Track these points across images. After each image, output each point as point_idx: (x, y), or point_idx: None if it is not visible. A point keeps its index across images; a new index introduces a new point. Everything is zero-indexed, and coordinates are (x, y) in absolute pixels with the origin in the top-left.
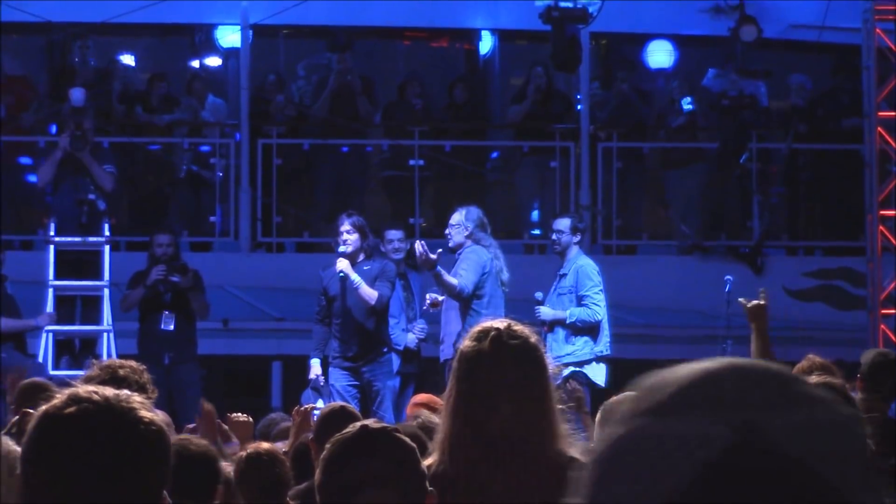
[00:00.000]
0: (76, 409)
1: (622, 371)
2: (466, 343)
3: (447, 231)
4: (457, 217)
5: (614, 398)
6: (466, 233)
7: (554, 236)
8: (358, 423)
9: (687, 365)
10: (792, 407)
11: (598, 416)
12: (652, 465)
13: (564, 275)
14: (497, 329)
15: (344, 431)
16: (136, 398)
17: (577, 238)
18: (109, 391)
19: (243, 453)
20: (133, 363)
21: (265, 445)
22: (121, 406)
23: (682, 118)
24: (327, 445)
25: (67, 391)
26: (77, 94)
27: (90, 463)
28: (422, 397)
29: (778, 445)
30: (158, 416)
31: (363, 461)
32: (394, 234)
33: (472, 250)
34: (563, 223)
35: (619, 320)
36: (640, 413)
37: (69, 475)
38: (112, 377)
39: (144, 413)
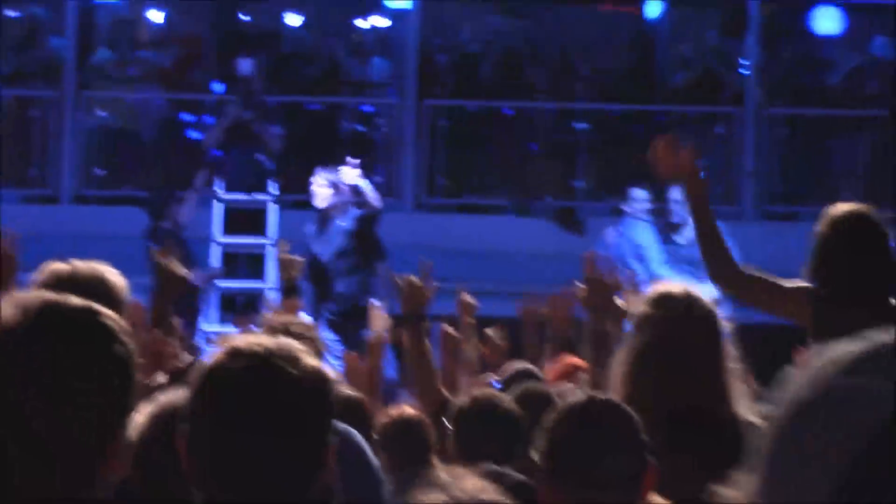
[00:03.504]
0: (239, 363)
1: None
2: (645, 307)
3: (672, 207)
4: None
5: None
6: None
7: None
8: (581, 394)
9: (870, 335)
10: None
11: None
12: (842, 418)
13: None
14: (676, 293)
15: (570, 401)
16: (298, 346)
17: None
18: (270, 341)
19: (388, 418)
20: (305, 321)
21: (410, 410)
22: (284, 356)
23: (846, 82)
24: (553, 415)
25: (228, 344)
26: (245, 65)
27: (257, 416)
28: (566, 363)
29: None
30: (320, 364)
31: (595, 432)
32: (638, 193)
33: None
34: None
35: None
36: (829, 373)
37: (236, 429)
38: (285, 335)
39: (308, 361)
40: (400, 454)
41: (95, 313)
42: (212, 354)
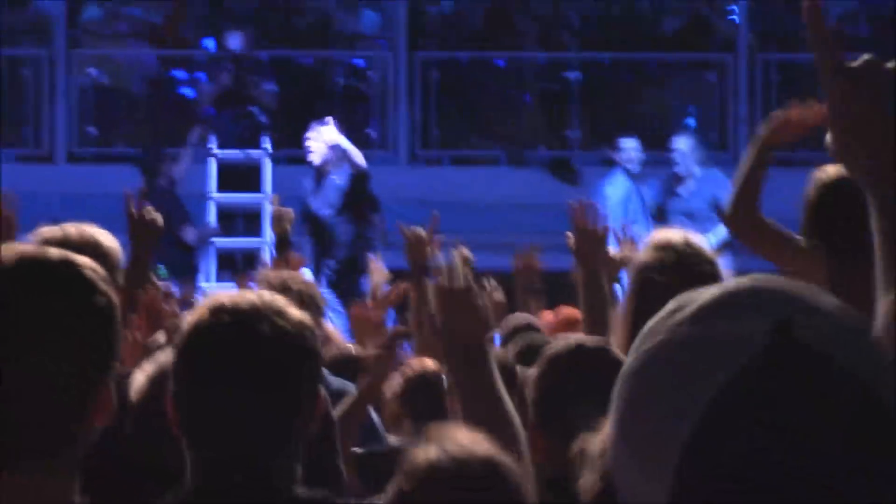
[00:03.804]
0: (221, 318)
1: None
2: (643, 254)
3: (675, 157)
4: (685, 142)
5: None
6: (696, 157)
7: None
8: (572, 340)
9: (709, 287)
10: (822, 313)
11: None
12: (692, 368)
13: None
14: (675, 240)
15: (556, 349)
16: (281, 300)
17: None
18: (253, 296)
19: (409, 371)
20: (304, 276)
21: (430, 364)
22: (266, 310)
23: (839, 26)
24: (540, 363)
25: (211, 300)
26: (234, 38)
27: (236, 371)
28: (565, 314)
29: (815, 344)
30: (304, 317)
31: (579, 377)
32: (628, 143)
33: (722, 179)
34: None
35: None
36: (676, 323)
37: (216, 384)
38: (284, 290)
39: (291, 314)
40: (422, 407)
41: (74, 264)
42: (194, 311)
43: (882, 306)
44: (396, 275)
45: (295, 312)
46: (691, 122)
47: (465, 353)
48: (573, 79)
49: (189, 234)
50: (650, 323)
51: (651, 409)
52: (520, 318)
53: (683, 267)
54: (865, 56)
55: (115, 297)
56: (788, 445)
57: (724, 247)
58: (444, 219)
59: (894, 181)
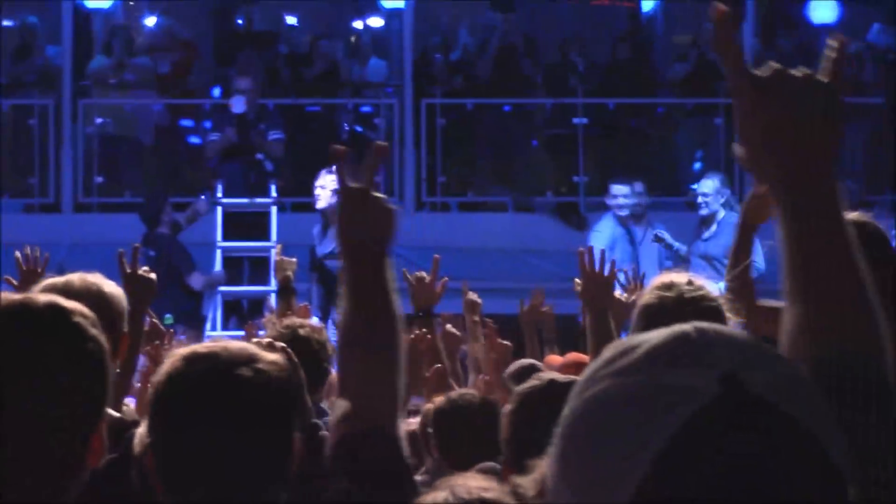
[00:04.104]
0: (194, 367)
1: None
2: (647, 296)
3: (700, 200)
4: (711, 184)
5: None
6: (723, 199)
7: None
8: (545, 377)
9: (650, 332)
10: (764, 363)
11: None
12: (640, 415)
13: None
14: (678, 281)
15: (529, 385)
16: (253, 348)
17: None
18: (226, 344)
19: (437, 403)
20: (313, 322)
21: (466, 393)
22: (238, 358)
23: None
24: (514, 399)
25: (184, 350)
26: (238, 102)
27: (211, 418)
28: (565, 358)
29: (760, 395)
30: (281, 362)
31: (550, 413)
32: (619, 190)
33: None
34: (709, 185)
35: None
36: (619, 369)
37: (192, 432)
38: (293, 337)
39: (265, 361)
40: (447, 441)
41: (61, 310)
42: (167, 361)
43: (786, 318)
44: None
45: (268, 356)
46: (698, 166)
47: (362, 252)
48: (580, 124)
49: (195, 281)
50: (589, 369)
51: (598, 453)
52: (525, 362)
53: (685, 308)
54: (772, 64)
55: (105, 342)
56: (739, 486)
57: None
58: (451, 264)
59: (802, 188)
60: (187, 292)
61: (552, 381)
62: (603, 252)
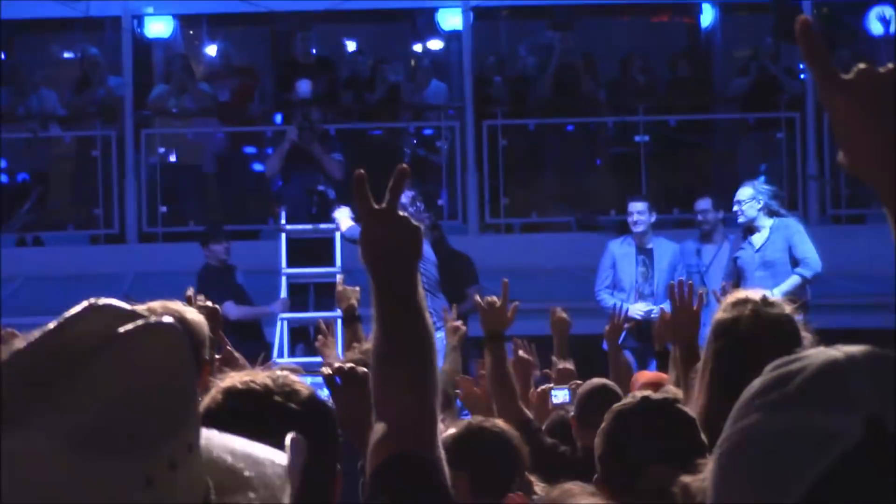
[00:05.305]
0: (234, 402)
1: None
2: (719, 314)
3: (736, 209)
4: (746, 192)
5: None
6: (759, 206)
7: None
8: (638, 395)
9: (820, 351)
10: None
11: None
12: (781, 460)
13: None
14: (751, 297)
15: (623, 403)
16: (294, 379)
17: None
18: (265, 377)
19: (460, 428)
20: None
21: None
22: (280, 390)
23: None
24: (608, 417)
25: (225, 383)
26: (303, 87)
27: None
28: (649, 376)
29: None
30: (317, 396)
31: (648, 435)
32: (633, 206)
33: (796, 225)
34: (745, 192)
35: (852, 289)
36: (769, 405)
37: None
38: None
39: (304, 394)
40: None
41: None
42: (208, 395)
43: None
44: (474, 343)
45: (304, 388)
46: (761, 180)
47: (389, 271)
48: (642, 142)
49: (229, 311)
50: (746, 394)
51: (747, 488)
52: (595, 381)
53: (755, 324)
54: (860, 66)
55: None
56: None
57: (802, 288)
58: (516, 286)
59: None
60: (245, 323)
61: (645, 399)
62: (692, 285)
